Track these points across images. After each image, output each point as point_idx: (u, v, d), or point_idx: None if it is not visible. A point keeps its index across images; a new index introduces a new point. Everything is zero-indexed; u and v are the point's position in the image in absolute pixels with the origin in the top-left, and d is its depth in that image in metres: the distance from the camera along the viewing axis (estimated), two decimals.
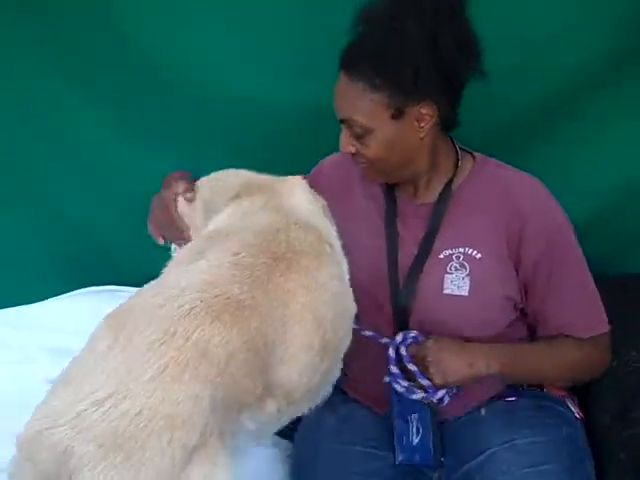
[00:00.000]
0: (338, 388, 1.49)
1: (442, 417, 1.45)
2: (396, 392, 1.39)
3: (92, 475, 0.92)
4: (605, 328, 1.44)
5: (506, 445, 1.35)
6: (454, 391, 1.37)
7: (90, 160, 1.94)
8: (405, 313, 1.43)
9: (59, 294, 2.01)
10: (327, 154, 1.60)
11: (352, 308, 1.37)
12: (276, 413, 1.23)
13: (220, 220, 1.37)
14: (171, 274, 1.21)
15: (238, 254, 1.20)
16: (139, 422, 0.95)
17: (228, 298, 1.12)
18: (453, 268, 1.40)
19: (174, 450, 0.97)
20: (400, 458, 1.40)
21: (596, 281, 1.44)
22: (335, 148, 1.42)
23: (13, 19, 1.76)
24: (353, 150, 1.38)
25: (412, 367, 1.35)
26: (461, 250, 1.41)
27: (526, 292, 1.43)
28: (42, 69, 1.81)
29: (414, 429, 1.40)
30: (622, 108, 1.66)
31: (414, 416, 1.41)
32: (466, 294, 1.39)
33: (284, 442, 1.57)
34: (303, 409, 1.35)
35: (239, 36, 1.72)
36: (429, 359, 1.34)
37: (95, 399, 0.96)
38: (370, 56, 1.30)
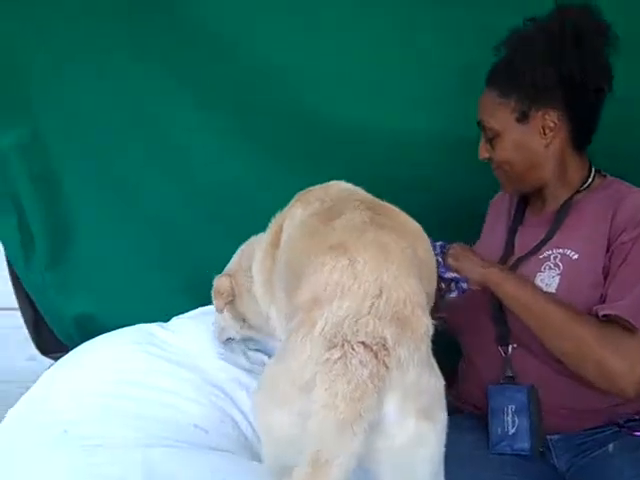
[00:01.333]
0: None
1: (554, 427, 1.47)
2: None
3: (402, 349, 1.07)
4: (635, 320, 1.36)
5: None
6: (463, 282, 1.44)
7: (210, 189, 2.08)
8: (500, 307, 1.52)
9: (181, 312, 2.11)
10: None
11: None
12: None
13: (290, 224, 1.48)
14: (336, 232, 1.29)
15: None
16: (409, 307, 1.12)
17: (388, 226, 1.28)
18: (547, 267, 1.48)
19: (429, 330, 1.14)
20: (494, 447, 1.43)
21: None
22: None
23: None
24: (487, 155, 1.59)
25: (438, 258, 1.48)
26: (560, 251, 1.49)
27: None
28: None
29: (509, 419, 1.44)
30: None
31: (510, 407, 1.44)
32: (554, 291, 1.45)
33: None
34: None
35: (360, 65, 1.90)
36: (451, 251, 1.51)
37: (374, 294, 1.11)
38: (503, 70, 1.55)
